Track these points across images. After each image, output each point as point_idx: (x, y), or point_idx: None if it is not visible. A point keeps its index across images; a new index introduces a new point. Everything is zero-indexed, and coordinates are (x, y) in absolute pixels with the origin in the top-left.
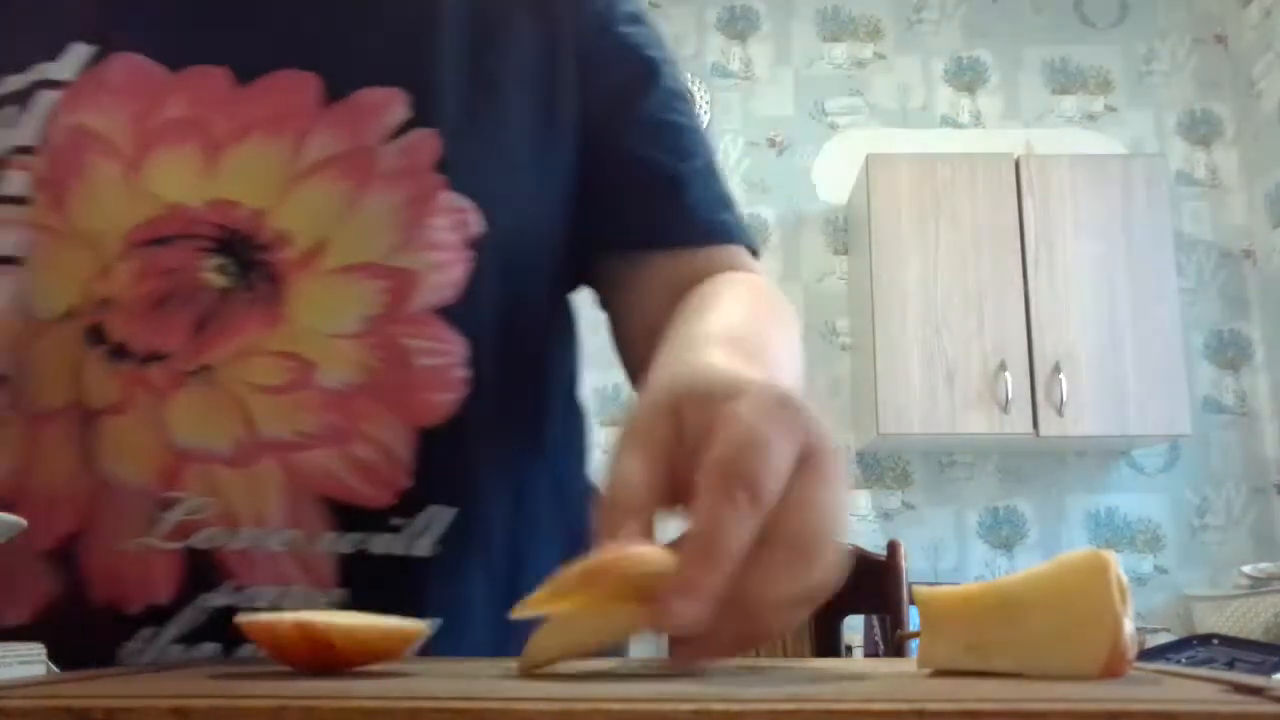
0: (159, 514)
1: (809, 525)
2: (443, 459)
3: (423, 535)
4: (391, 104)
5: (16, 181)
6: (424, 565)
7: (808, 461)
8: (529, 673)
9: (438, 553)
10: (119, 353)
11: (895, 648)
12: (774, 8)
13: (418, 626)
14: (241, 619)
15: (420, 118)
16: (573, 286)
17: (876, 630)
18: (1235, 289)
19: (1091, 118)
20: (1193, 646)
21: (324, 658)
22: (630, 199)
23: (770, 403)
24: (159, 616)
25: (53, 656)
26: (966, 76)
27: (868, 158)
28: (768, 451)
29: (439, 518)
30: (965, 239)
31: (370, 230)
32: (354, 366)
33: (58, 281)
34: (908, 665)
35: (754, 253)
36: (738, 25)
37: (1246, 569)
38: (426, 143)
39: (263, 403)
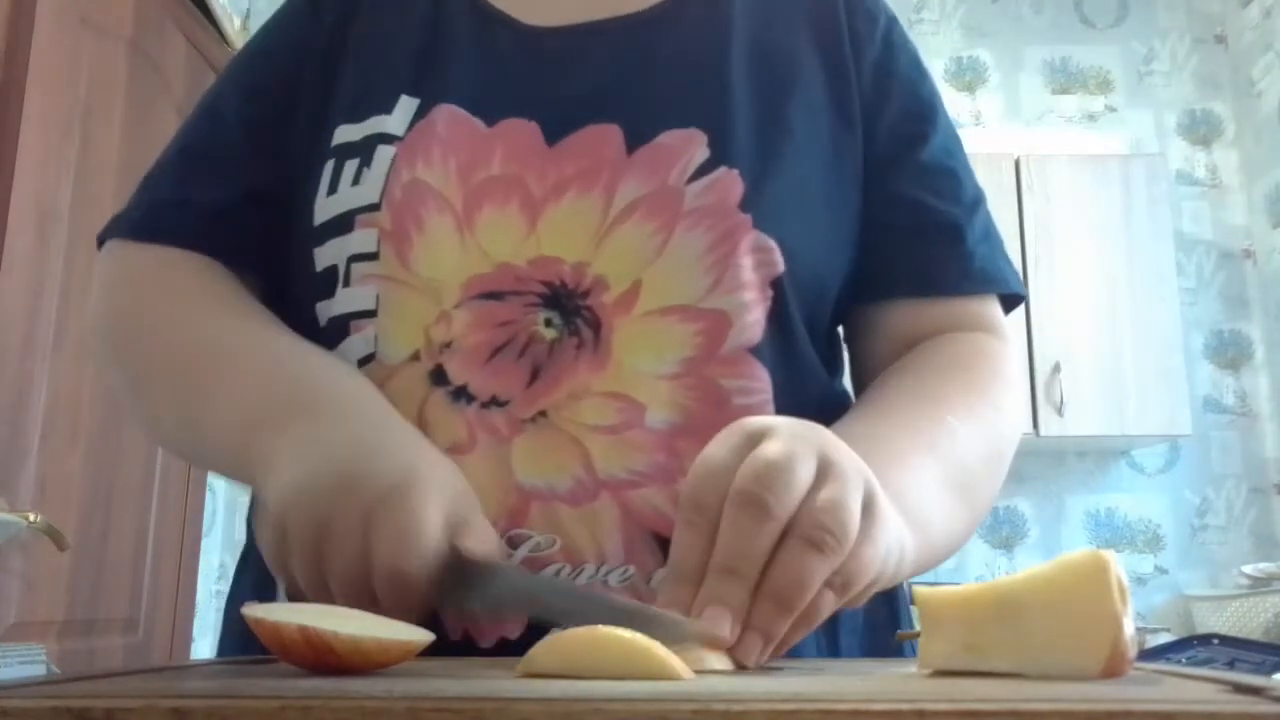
0: (508, 551)
1: (821, 518)
2: None
3: None
4: (692, 145)
5: (365, 238)
6: None
7: (825, 472)
8: (528, 674)
9: None
10: (460, 394)
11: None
12: None
13: (422, 636)
14: (247, 612)
15: (720, 157)
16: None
17: None
18: (1235, 289)
19: (1091, 118)
20: (1193, 646)
21: (326, 662)
22: (908, 243)
23: (789, 434)
24: (510, 650)
25: None
26: (966, 76)
27: None
28: (779, 471)
29: None
30: None
31: (681, 271)
32: (674, 408)
33: (404, 327)
34: (908, 665)
35: (1019, 298)
36: None
37: (1246, 569)
38: (730, 182)
39: (599, 442)
